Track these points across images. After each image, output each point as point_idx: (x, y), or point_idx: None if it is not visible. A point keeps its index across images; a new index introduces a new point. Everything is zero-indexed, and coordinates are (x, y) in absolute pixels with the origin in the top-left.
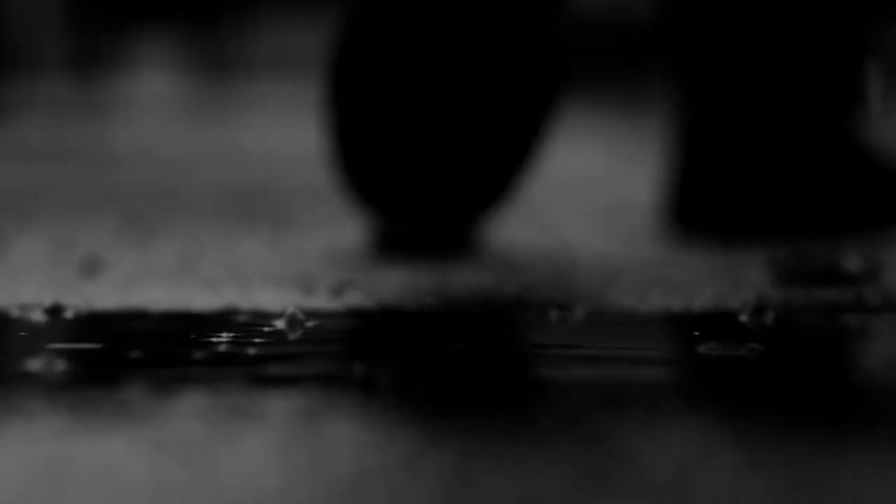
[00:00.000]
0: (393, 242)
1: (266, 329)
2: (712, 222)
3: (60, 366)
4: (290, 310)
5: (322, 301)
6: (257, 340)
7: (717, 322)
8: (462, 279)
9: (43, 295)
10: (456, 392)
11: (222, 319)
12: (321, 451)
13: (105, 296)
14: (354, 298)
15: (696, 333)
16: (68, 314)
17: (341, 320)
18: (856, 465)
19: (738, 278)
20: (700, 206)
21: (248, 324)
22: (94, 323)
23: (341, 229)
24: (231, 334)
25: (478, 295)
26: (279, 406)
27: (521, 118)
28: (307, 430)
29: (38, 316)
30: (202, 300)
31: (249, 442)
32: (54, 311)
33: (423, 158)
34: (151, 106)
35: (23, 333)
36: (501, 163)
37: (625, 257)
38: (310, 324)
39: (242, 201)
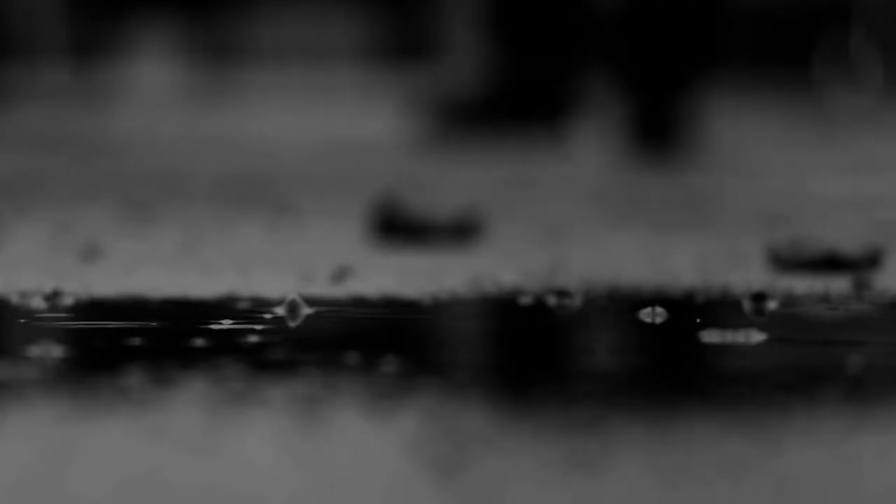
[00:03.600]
0: (393, 229)
1: (266, 316)
2: (664, 141)
3: (60, 352)
4: (290, 296)
5: (322, 288)
6: (257, 327)
7: (719, 309)
8: (460, 265)
9: (43, 281)
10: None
11: (222, 306)
12: (322, 438)
13: (105, 282)
14: (354, 285)
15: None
16: (68, 300)
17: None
18: (855, 454)
19: (739, 265)
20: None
21: (247, 310)
22: (94, 309)
23: (341, 216)
24: (231, 321)
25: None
26: (280, 393)
27: None
28: (308, 417)
29: (38, 302)
30: (202, 287)
31: (250, 428)
32: (54, 297)
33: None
34: (151, 93)
35: (23, 320)
36: None
37: None
38: (310, 310)
39: (242, 188)
